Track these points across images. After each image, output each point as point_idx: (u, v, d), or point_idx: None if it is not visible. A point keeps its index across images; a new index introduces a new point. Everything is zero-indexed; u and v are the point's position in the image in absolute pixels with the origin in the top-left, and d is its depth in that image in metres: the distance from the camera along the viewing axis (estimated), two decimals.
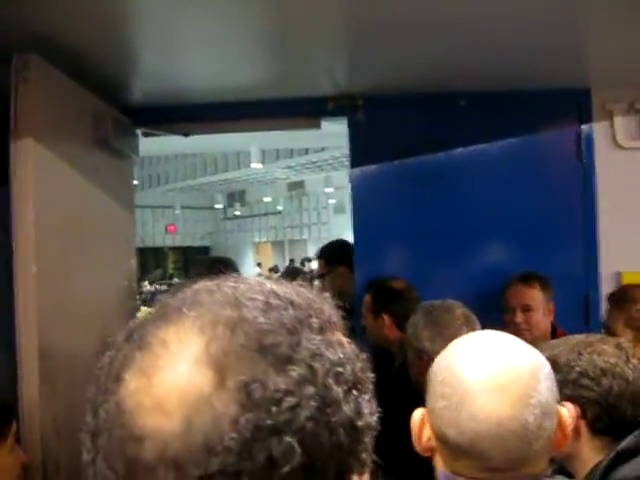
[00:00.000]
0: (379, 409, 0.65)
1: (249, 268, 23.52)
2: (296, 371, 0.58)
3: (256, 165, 13.98)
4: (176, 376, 0.57)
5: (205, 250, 25.86)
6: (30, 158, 2.32)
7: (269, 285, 0.66)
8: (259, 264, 23.28)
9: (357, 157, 3.41)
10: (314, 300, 0.67)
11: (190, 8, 2.21)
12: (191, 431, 0.55)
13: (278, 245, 25.21)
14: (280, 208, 23.86)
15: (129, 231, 3.34)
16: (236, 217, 25.53)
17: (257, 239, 25.58)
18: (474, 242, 3.36)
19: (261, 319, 0.60)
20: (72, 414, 2.49)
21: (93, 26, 2.39)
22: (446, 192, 3.35)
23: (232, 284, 0.66)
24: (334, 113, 3.36)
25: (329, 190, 21.26)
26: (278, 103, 3.38)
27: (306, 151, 15.33)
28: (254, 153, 13.58)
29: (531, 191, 3.34)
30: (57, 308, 2.45)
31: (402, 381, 2.46)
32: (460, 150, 3.35)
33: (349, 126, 3.38)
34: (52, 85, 2.50)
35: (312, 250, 23.85)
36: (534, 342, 2.73)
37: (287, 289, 0.67)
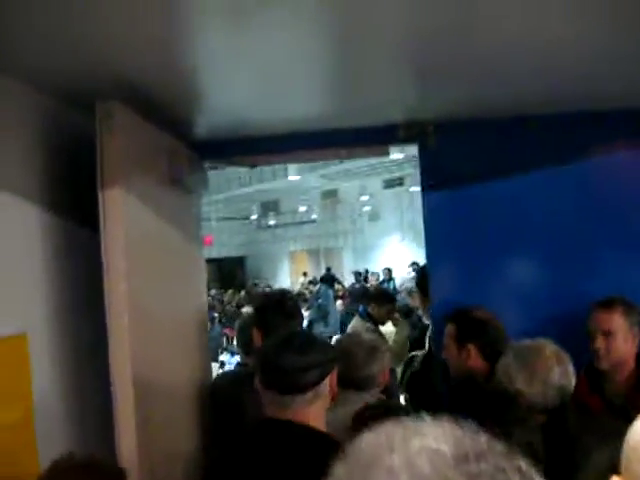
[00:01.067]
0: None
1: (285, 277, 23.61)
2: None
3: (294, 177, 14.05)
4: None
5: (240, 260, 25.96)
6: (118, 207, 2.32)
7: (446, 449, 0.65)
8: (305, 273, 23.20)
9: (429, 183, 3.35)
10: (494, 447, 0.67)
11: (255, 41, 2.17)
12: None
13: (313, 253, 25.27)
14: (315, 217, 23.94)
15: (201, 265, 3.33)
16: (270, 227, 25.64)
17: (292, 248, 25.68)
18: (551, 266, 3.30)
19: None
20: (168, 458, 2.50)
21: (161, 64, 2.36)
22: (519, 216, 3.30)
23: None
24: (404, 140, 3.32)
25: (364, 198, 21.33)
26: (347, 132, 3.35)
27: (341, 160, 15.37)
28: (291, 164, 13.63)
29: (607, 212, 3.27)
30: (149, 359, 2.45)
31: None
32: (533, 173, 3.28)
33: (420, 152, 3.35)
34: (133, 130, 2.50)
35: (347, 258, 23.98)
36: (613, 368, 2.69)
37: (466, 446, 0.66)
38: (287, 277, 24.05)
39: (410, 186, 19.93)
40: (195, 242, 3.23)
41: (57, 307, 2.43)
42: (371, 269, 18.81)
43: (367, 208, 22.27)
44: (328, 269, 19.04)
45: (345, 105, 3.12)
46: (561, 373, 2.28)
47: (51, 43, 2.06)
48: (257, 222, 25.76)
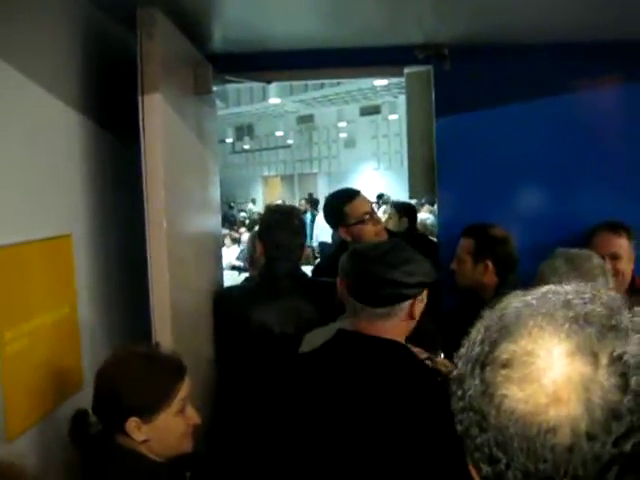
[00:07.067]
0: None
1: (259, 202, 23.63)
2: (633, 337, 0.72)
3: (274, 100, 13.92)
4: (559, 371, 0.71)
5: None
6: (158, 113, 2.37)
7: (569, 287, 0.81)
8: (253, 200, 23.21)
9: (442, 106, 3.43)
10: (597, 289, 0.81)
11: None
12: (592, 407, 0.69)
13: (287, 179, 25.22)
14: (290, 142, 23.80)
15: (216, 177, 3.39)
16: (244, 151, 25.47)
17: (266, 173, 25.58)
18: (557, 189, 3.47)
19: (593, 308, 0.75)
20: (194, 365, 2.61)
21: None
22: (531, 142, 3.41)
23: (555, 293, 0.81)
24: (420, 61, 3.37)
25: (341, 124, 21.27)
26: (362, 51, 3.39)
27: (321, 85, 15.26)
28: (272, 88, 13.50)
29: (614, 140, 3.41)
30: (181, 261, 2.54)
31: None
32: (545, 99, 3.38)
33: (435, 75, 3.41)
34: (169, 39, 2.53)
35: (322, 184, 24.02)
36: (619, 290, 2.86)
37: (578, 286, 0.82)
38: (260, 202, 24.05)
39: (388, 114, 19.91)
40: (213, 154, 3.29)
41: (98, 210, 2.50)
42: None
43: (343, 135, 22.22)
44: (310, 195, 19.14)
45: (361, 23, 3.13)
46: (603, 282, 2.47)
47: None
48: (231, 146, 25.54)
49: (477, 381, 0.76)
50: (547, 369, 0.71)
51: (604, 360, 0.70)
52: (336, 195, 3.50)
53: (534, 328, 0.75)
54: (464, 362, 0.80)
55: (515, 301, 0.81)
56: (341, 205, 3.34)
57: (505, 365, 0.74)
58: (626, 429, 0.68)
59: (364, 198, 3.42)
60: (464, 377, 0.79)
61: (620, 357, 0.70)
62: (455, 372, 0.82)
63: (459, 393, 0.80)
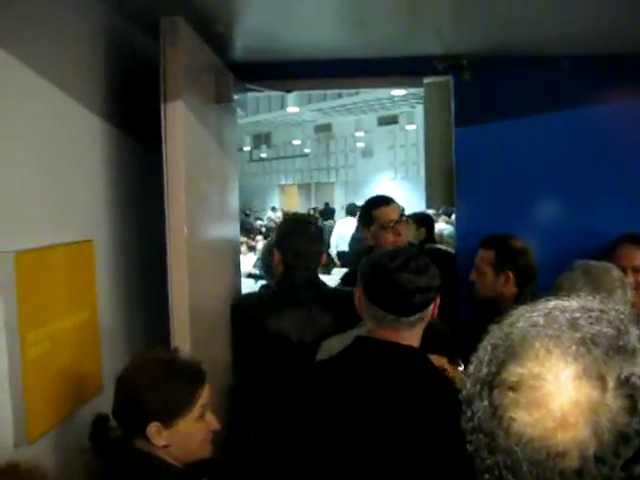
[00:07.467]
0: None
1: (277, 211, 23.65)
2: None
3: (292, 109, 13.97)
4: (566, 395, 0.71)
5: None
6: (180, 120, 2.39)
7: (575, 303, 0.82)
8: (273, 208, 23.36)
9: (461, 116, 3.44)
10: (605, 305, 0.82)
11: None
12: (601, 430, 0.69)
13: (304, 188, 25.25)
14: (307, 151, 23.84)
15: (236, 184, 3.41)
16: (262, 159, 25.53)
17: (283, 181, 25.63)
18: (576, 201, 3.45)
19: (599, 329, 0.75)
20: (212, 371, 2.62)
21: None
22: (550, 153, 3.41)
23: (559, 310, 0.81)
24: (438, 72, 3.38)
25: (359, 134, 21.29)
26: (382, 61, 3.41)
27: (339, 95, 15.32)
28: (290, 96, 13.56)
29: (636, 151, 3.39)
30: (200, 267, 2.56)
31: None
32: (565, 110, 3.37)
33: (454, 86, 3.42)
34: (192, 47, 2.55)
35: (339, 193, 24.05)
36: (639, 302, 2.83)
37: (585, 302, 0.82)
38: (277, 210, 24.09)
39: (405, 124, 19.92)
40: (233, 162, 3.31)
41: (119, 216, 2.53)
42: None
43: (360, 144, 22.25)
44: (326, 204, 19.17)
45: (381, 34, 3.15)
46: (621, 296, 2.43)
47: None
48: (249, 154, 25.63)
49: (485, 402, 0.77)
50: (555, 393, 0.71)
51: (611, 383, 0.70)
52: (371, 199, 3.59)
53: (541, 350, 0.75)
54: (472, 382, 0.81)
55: (521, 319, 0.82)
56: (371, 209, 3.42)
57: (513, 388, 0.74)
58: (634, 452, 0.68)
59: (394, 207, 3.43)
60: (473, 398, 0.80)
61: (627, 379, 0.70)
62: (464, 392, 0.83)
63: (468, 414, 0.80)
